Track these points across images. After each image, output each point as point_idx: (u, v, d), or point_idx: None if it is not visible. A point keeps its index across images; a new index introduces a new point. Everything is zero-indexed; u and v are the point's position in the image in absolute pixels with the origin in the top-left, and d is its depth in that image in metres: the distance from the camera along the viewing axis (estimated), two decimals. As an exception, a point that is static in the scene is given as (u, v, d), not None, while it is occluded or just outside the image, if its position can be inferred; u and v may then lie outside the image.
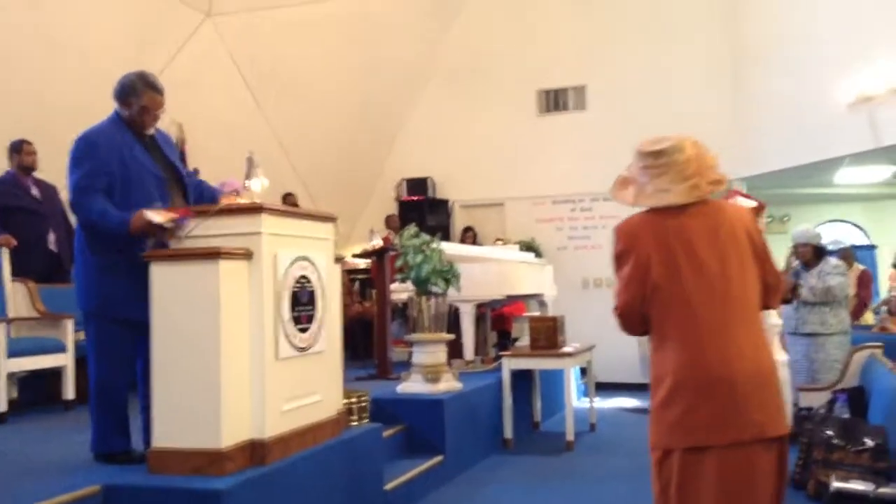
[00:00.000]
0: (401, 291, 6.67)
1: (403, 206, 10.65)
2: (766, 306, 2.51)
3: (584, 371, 8.09)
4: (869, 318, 7.73)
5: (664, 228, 2.43)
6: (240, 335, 3.32)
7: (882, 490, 2.77)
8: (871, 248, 12.45)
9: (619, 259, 2.48)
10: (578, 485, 5.27)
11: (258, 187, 3.69)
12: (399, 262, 5.85)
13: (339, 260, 4.18)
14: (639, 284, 2.42)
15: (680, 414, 2.31)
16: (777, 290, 2.53)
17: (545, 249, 9.92)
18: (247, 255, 3.34)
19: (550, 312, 8.11)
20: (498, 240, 9.72)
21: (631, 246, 2.45)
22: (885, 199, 12.43)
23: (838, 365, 5.04)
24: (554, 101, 10.50)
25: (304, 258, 3.67)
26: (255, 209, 3.40)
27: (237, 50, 8.39)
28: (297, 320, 3.58)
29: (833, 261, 5.90)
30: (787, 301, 5.52)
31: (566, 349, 6.55)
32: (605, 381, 8.60)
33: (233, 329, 3.27)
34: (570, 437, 6.36)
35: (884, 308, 8.14)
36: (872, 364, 4.38)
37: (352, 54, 9.43)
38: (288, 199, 8.85)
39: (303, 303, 3.64)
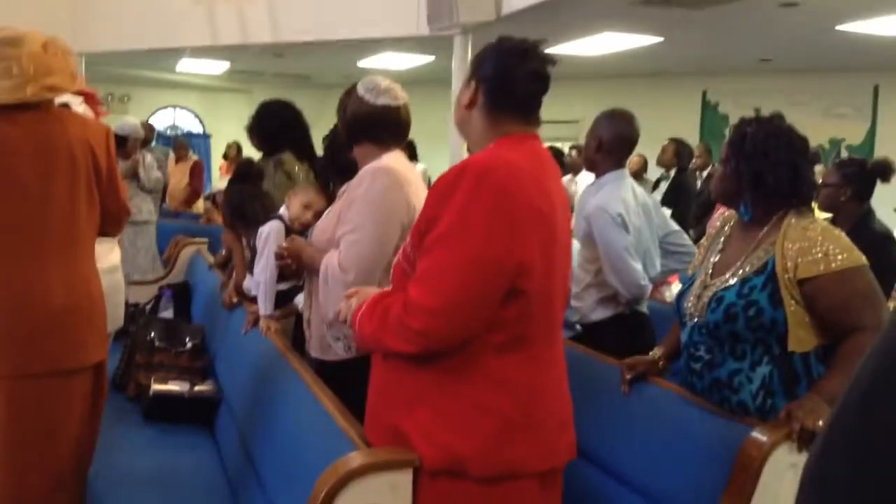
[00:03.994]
0: None
1: None
2: (104, 233, 2.42)
3: None
4: (200, 206, 8.23)
5: None
6: None
7: (197, 388, 3.03)
8: (207, 136, 13.26)
9: None
10: None
11: None
12: None
13: None
14: None
15: None
16: (118, 218, 2.44)
17: None
18: None
19: None
20: None
21: None
22: (220, 91, 13.30)
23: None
24: None
25: None
26: None
27: None
28: None
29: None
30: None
31: None
32: None
33: None
34: None
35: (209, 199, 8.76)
36: (198, 259, 4.68)
37: None
38: None
39: None
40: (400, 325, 1.59)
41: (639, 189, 3.01)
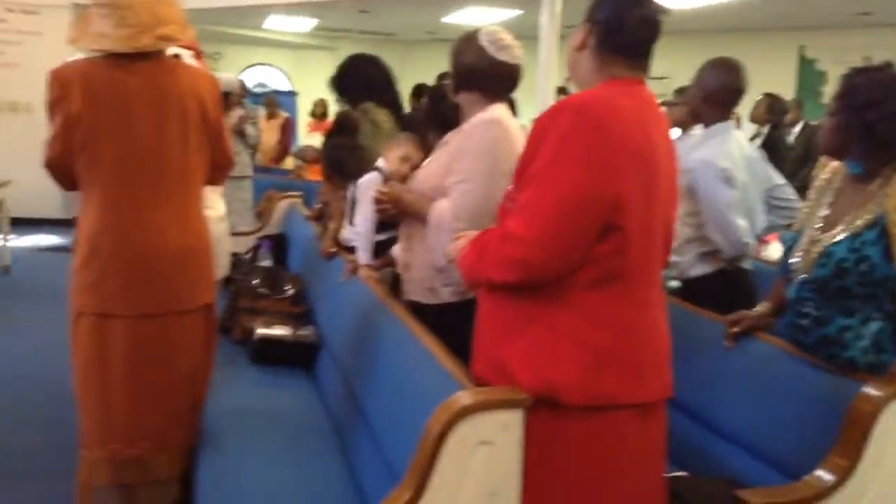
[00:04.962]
0: None
1: None
2: (210, 182, 2.50)
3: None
4: (289, 163, 8.41)
5: (103, 81, 2.21)
6: None
7: (299, 332, 3.15)
8: (294, 94, 13.45)
9: (51, 108, 2.23)
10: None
11: None
12: None
13: None
14: (65, 140, 2.22)
15: (93, 280, 2.26)
16: (224, 168, 2.52)
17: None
18: None
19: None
20: None
21: (62, 95, 2.20)
22: (306, 48, 13.45)
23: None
24: None
25: None
26: None
27: None
28: None
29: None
30: None
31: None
32: (21, 216, 7.81)
33: None
34: (-22, 282, 5.72)
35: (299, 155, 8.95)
36: (293, 212, 4.82)
37: None
38: None
39: None
40: (499, 254, 1.66)
41: (744, 141, 2.93)
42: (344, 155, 3.23)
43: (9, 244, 6.66)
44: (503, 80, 2.36)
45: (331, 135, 3.46)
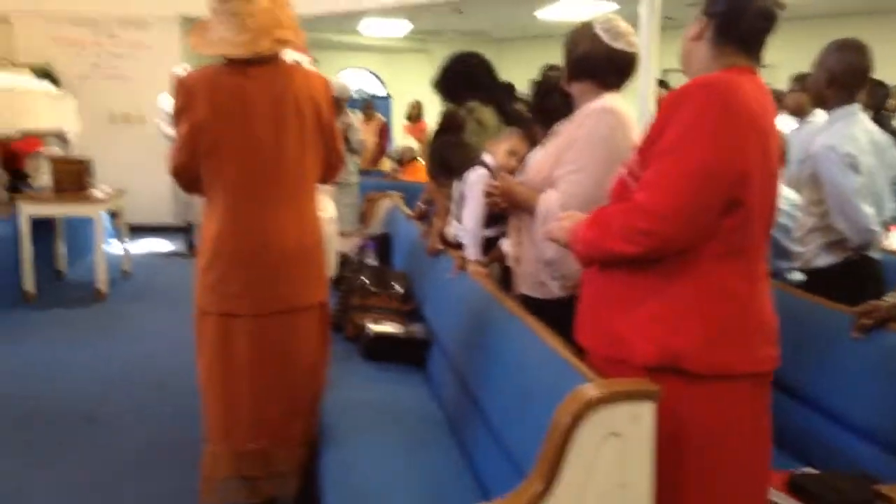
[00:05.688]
0: None
1: None
2: (323, 181, 2.56)
3: (113, 213, 7.62)
4: (386, 165, 8.55)
5: (225, 88, 2.29)
6: None
7: (409, 329, 3.19)
8: (387, 97, 13.65)
9: (177, 117, 2.33)
10: (112, 337, 5.08)
11: None
12: None
13: None
14: (191, 147, 2.31)
15: (215, 280, 2.35)
16: (336, 168, 2.58)
17: (65, 78, 8.82)
18: None
19: (75, 150, 7.35)
20: (3, 60, 8.31)
21: (187, 104, 2.29)
22: (400, 52, 13.62)
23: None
24: None
25: None
26: None
27: None
28: None
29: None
30: None
31: (96, 194, 6.06)
32: (137, 223, 8.21)
33: None
34: (101, 285, 6.03)
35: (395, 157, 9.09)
36: (394, 212, 4.90)
37: None
38: None
39: None
40: (626, 227, 1.70)
41: (871, 125, 2.79)
42: (450, 153, 3.25)
43: (128, 250, 7.00)
44: (618, 68, 2.32)
45: (437, 134, 3.48)
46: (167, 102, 7.53)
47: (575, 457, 1.58)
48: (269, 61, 2.34)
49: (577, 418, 1.57)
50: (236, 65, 2.31)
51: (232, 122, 2.29)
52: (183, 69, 7.45)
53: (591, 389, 1.61)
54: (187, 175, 2.37)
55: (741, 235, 1.69)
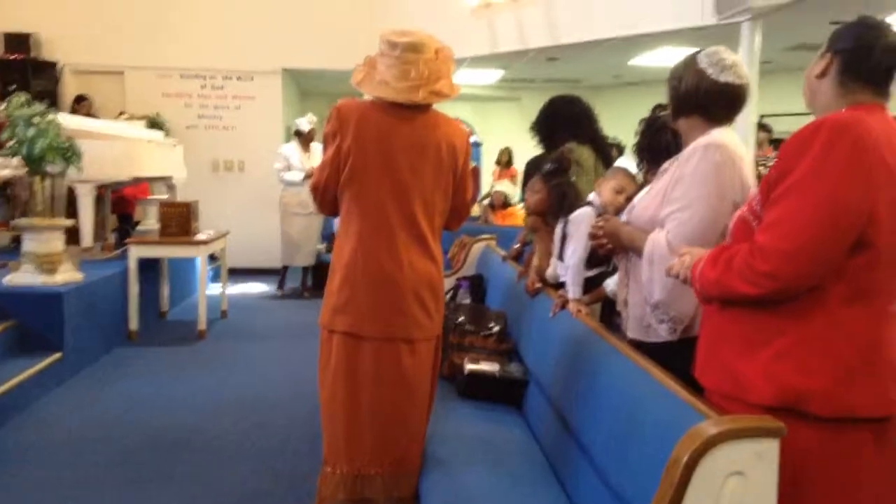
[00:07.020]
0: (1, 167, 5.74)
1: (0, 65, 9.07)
2: (447, 227, 2.62)
3: (212, 256, 7.89)
4: (476, 209, 8.61)
5: (374, 123, 2.40)
6: None
7: (506, 369, 3.15)
8: (478, 144, 13.79)
9: (327, 138, 2.47)
10: (210, 374, 5.21)
11: None
12: (5, 135, 5.00)
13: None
14: (334, 169, 2.43)
15: (344, 301, 2.43)
16: (462, 218, 2.66)
17: (173, 127, 9.28)
18: None
19: (180, 196, 7.68)
20: (122, 113, 8.82)
21: (338, 129, 2.42)
22: (491, 100, 13.76)
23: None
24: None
25: None
26: None
27: None
28: None
29: None
30: None
31: (200, 237, 6.29)
32: (234, 266, 8.49)
33: None
34: (201, 325, 6.22)
35: (486, 201, 9.15)
36: (487, 254, 4.91)
37: None
38: None
39: None
40: (747, 268, 1.68)
41: None
42: (567, 191, 3.22)
43: (226, 291, 7.22)
44: (727, 102, 2.25)
45: (550, 174, 3.45)
46: (291, 150, 7.82)
47: (694, 496, 1.50)
48: (420, 109, 2.45)
49: (697, 456, 1.50)
50: (392, 106, 2.43)
51: (375, 157, 2.40)
52: (308, 121, 7.79)
53: (711, 426, 1.54)
54: (323, 195, 2.51)
55: (869, 276, 1.66)
